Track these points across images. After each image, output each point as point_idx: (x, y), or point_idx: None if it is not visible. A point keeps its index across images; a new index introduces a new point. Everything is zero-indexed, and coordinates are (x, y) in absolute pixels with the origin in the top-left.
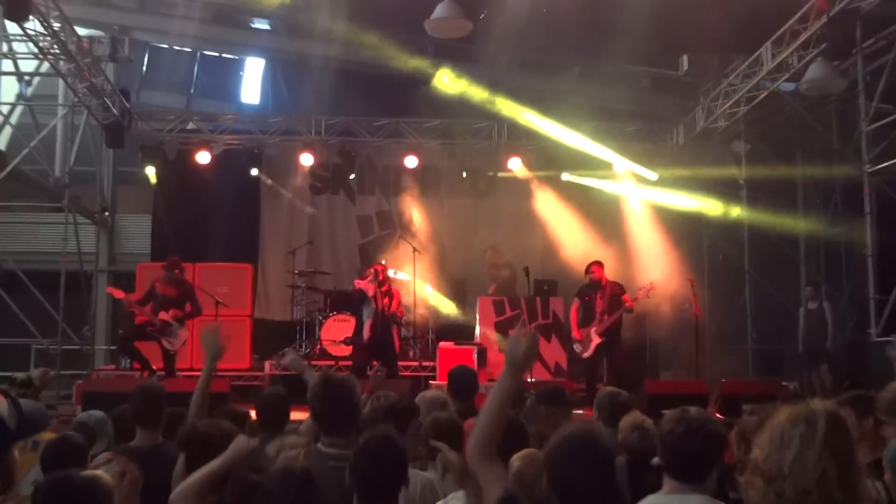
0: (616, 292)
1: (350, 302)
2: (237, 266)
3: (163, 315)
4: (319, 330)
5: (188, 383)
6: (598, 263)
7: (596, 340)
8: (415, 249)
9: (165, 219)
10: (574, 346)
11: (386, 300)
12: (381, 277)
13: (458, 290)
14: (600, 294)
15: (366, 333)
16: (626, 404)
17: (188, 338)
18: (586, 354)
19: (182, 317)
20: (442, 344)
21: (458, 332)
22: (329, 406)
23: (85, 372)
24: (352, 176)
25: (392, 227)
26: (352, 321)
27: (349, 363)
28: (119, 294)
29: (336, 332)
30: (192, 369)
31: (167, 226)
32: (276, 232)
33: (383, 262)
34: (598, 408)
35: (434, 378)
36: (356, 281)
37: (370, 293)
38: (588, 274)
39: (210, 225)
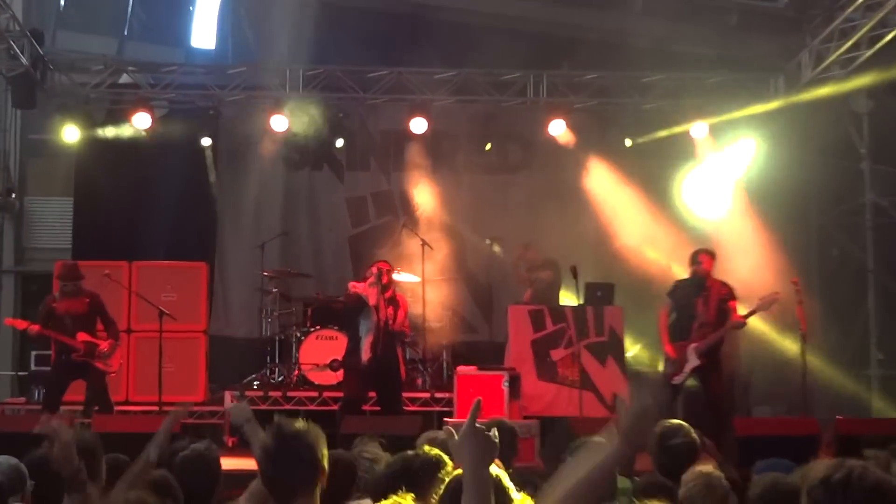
0: (724, 296)
1: (340, 313)
2: (188, 266)
3: (82, 336)
4: (297, 350)
5: (129, 422)
6: (708, 253)
7: (694, 363)
8: (424, 243)
9: (91, 202)
10: (663, 368)
11: (390, 310)
12: (385, 280)
13: (482, 296)
14: (703, 298)
15: (364, 355)
16: (694, 448)
17: (122, 358)
18: (677, 379)
19: (115, 339)
20: (461, 369)
21: (482, 353)
22: (283, 467)
23: None
24: (339, 144)
25: (393, 214)
26: (341, 339)
27: (338, 394)
28: (21, 324)
29: (319, 352)
30: (128, 402)
31: (93, 211)
32: (239, 220)
33: (385, 260)
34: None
35: (450, 414)
36: (352, 285)
37: (371, 301)
38: (693, 266)
39: (151, 210)
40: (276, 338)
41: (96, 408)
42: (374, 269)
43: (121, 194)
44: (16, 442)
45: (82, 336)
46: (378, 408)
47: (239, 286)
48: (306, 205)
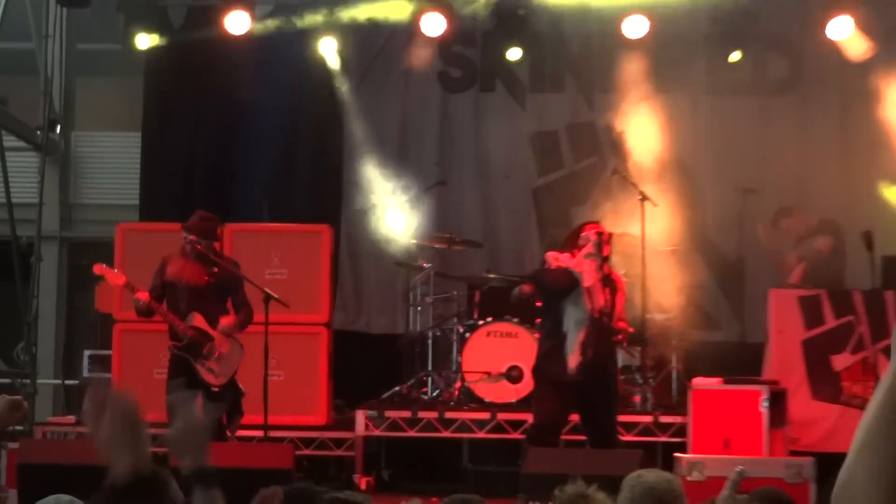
0: None
1: (525, 299)
2: (303, 230)
3: (197, 320)
4: (460, 353)
5: (244, 451)
6: None
7: None
8: (643, 197)
9: (165, 140)
10: None
11: (606, 296)
12: (605, 252)
13: (729, 276)
14: None
15: (571, 360)
16: None
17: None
18: None
19: (231, 326)
20: (698, 382)
21: (730, 359)
22: None
23: (20, 428)
24: (517, 55)
25: (598, 154)
26: (523, 336)
27: (522, 416)
28: (117, 278)
29: (491, 356)
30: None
31: (169, 153)
32: (371, 162)
33: (596, 221)
34: None
35: (682, 447)
36: (553, 256)
37: (587, 280)
38: None
39: (250, 152)
40: (429, 335)
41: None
42: (592, 234)
43: (208, 128)
44: (69, 476)
45: (195, 317)
46: (583, 436)
47: (375, 260)
48: (472, 142)
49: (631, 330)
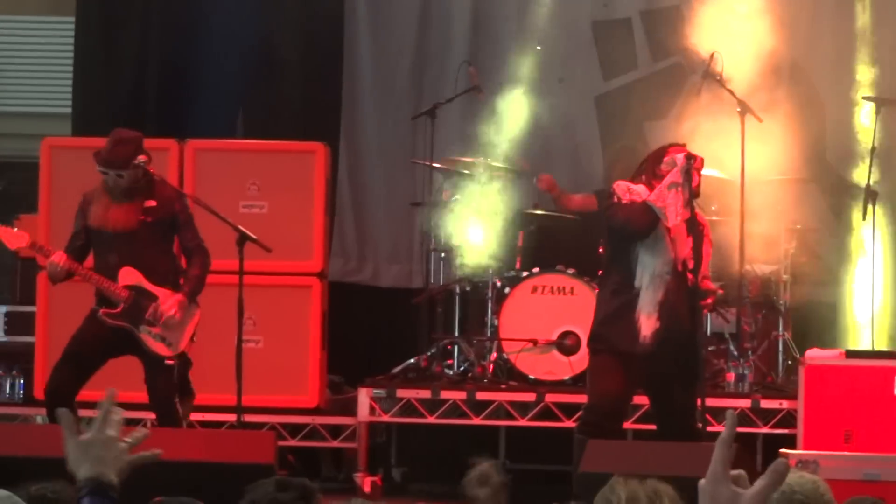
0: None
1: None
2: (290, 149)
3: (126, 275)
4: (496, 315)
5: (211, 442)
6: None
7: None
8: (743, 110)
9: (108, 27)
10: None
11: (688, 243)
12: (695, 183)
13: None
14: None
15: (644, 325)
16: None
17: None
18: None
19: (197, 279)
20: (811, 355)
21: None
22: None
23: None
24: None
25: (683, 53)
26: (581, 292)
27: (575, 397)
28: (16, 239)
29: (536, 318)
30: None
31: (112, 46)
32: (388, 66)
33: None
34: None
35: (791, 442)
36: (624, 185)
37: (670, 218)
38: None
39: (219, 46)
40: (456, 290)
41: (151, 420)
42: (678, 158)
43: (164, 13)
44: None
45: (127, 273)
46: (652, 425)
47: (384, 191)
48: (514, 34)
49: (719, 291)
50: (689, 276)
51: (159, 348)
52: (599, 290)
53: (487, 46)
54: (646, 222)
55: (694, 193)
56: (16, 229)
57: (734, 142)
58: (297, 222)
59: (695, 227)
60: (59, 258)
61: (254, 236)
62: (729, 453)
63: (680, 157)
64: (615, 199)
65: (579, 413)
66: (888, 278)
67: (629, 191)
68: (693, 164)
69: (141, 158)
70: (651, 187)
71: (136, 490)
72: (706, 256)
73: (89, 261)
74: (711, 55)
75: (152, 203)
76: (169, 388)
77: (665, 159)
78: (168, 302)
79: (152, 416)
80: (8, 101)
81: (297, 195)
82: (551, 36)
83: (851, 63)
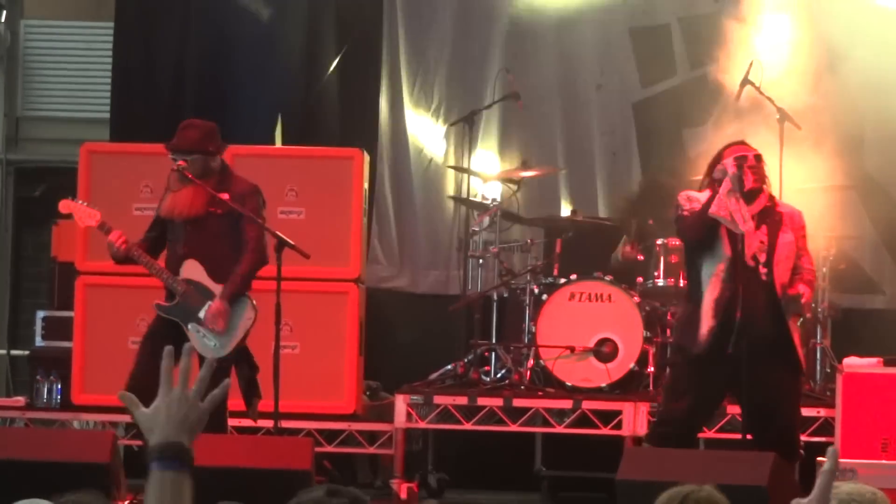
0: None
1: (631, 262)
2: (328, 155)
3: (189, 268)
4: (533, 321)
5: (248, 447)
6: None
7: None
8: (782, 117)
9: (145, 35)
10: None
11: (761, 236)
12: (752, 180)
13: (894, 221)
14: None
15: (703, 326)
16: None
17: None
18: None
19: (241, 279)
20: (850, 363)
21: (893, 331)
22: None
23: None
24: None
25: (722, 59)
26: (619, 301)
27: (613, 404)
28: (90, 217)
29: (574, 325)
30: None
31: (150, 52)
32: (426, 70)
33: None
34: None
35: (820, 450)
36: (686, 196)
37: (739, 225)
38: None
39: (258, 52)
40: (494, 296)
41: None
42: (730, 164)
43: (203, 19)
44: (23, 475)
45: (191, 266)
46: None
47: (423, 197)
48: (553, 40)
49: (801, 295)
50: (762, 269)
51: (204, 349)
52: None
53: (526, 53)
54: (701, 232)
55: (754, 192)
56: (88, 205)
57: (773, 149)
58: (335, 228)
59: (769, 217)
60: (114, 237)
61: (292, 242)
62: (831, 484)
63: (730, 162)
64: (679, 212)
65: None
66: None
67: (689, 199)
68: (746, 164)
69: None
70: (715, 192)
71: None
72: (788, 246)
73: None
74: (750, 63)
75: (225, 195)
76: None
77: (717, 167)
78: (211, 312)
79: None
80: (47, 105)
81: (335, 201)
82: (590, 41)
83: (890, 69)
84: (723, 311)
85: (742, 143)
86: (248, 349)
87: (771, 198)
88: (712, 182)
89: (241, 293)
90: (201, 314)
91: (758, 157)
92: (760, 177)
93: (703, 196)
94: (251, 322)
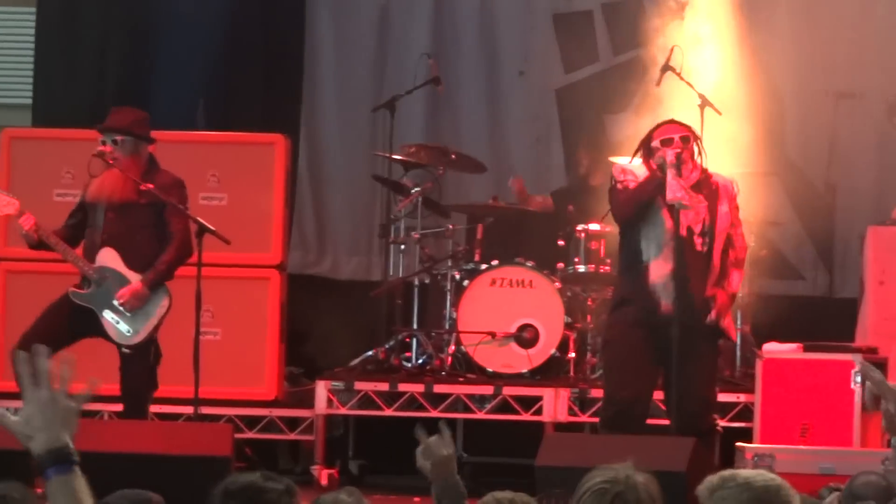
0: None
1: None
2: (250, 140)
3: (104, 256)
4: (454, 307)
5: (168, 434)
6: None
7: None
8: (703, 103)
9: (69, 19)
10: None
11: (699, 210)
12: (688, 159)
13: (814, 207)
14: None
15: (663, 297)
16: None
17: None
18: None
19: (166, 267)
20: (770, 348)
21: (813, 319)
22: None
23: None
24: None
25: (644, 45)
26: (540, 286)
27: (534, 390)
28: (8, 205)
29: (495, 311)
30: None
31: (74, 38)
32: (349, 55)
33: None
34: None
35: (747, 435)
36: (620, 168)
37: (685, 201)
38: None
39: (181, 38)
40: (415, 282)
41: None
42: (668, 155)
43: (121, 5)
44: None
45: (106, 254)
46: (665, 420)
47: (344, 183)
48: (475, 26)
49: (740, 252)
50: (698, 239)
51: (118, 335)
52: (616, 278)
53: (448, 39)
54: (633, 210)
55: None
56: (6, 195)
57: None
58: (257, 214)
59: (704, 189)
60: (25, 221)
61: (213, 228)
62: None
63: (670, 154)
64: (614, 184)
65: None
66: None
67: (624, 171)
68: (674, 146)
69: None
70: (649, 166)
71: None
72: (724, 217)
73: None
74: (671, 48)
75: (150, 186)
76: (138, 380)
77: (652, 145)
78: (129, 291)
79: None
80: None
81: (257, 187)
82: (512, 27)
83: (812, 57)
84: (679, 284)
85: (671, 121)
86: (157, 339)
87: (704, 169)
88: (648, 154)
89: (162, 282)
90: (115, 301)
91: (685, 139)
92: (690, 152)
93: (640, 172)
94: (165, 310)
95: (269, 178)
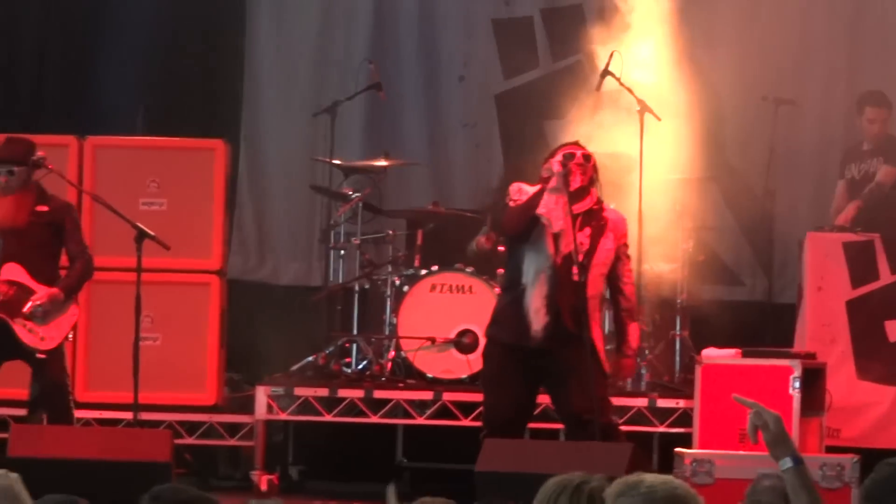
0: None
1: (488, 252)
2: (190, 146)
3: (9, 270)
4: (394, 313)
5: (107, 439)
6: None
7: None
8: (642, 109)
9: (6, 25)
10: None
11: (584, 238)
12: (579, 180)
13: (752, 212)
14: None
15: (534, 320)
16: None
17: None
18: None
19: (77, 278)
20: (709, 354)
21: (752, 324)
22: None
23: None
24: None
25: (584, 51)
26: (479, 291)
27: (473, 396)
28: None
29: (434, 317)
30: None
31: (3, 38)
32: (289, 62)
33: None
34: None
35: (687, 441)
36: (517, 187)
37: (554, 222)
38: None
39: (118, 40)
40: (355, 288)
41: (43, 414)
42: (555, 164)
43: (61, 10)
44: None
45: (11, 269)
46: (559, 423)
47: (284, 188)
48: (415, 31)
49: (631, 300)
50: (574, 269)
51: (32, 341)
52: (499, 289)
53: (389, 44)
54: (520, 226)
55: (580, 191)
56: None
57: (633, 140)
58: (197, 219)
59: (595, 221)
60: None
61: (152, 233)
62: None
63: (556, 160)
64: (507, 201)
65: (479, 411)
66: None
67: (520, 191)
68: (573, 163)
69: (39, 154)
70: (541, 179)
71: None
72: (606, 253)
73: None
74: (611, 54)
75: (44, 208)
76: (59, 376)
77: (545, 166)
78: (39, 293)
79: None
80: None
81: (197, 192)
82: (452, 33)
83: (751, 63)
84: (552, 309)
85: (576, 143)
86: (63, 345)
87: (599, 201)
88: (542, 180)
89: (76, 290)
90: (26, 308)
91: (586, 157)
92: (587, 177)
93: (537, 189)
94: (75, 319)
95: (209, 184)
